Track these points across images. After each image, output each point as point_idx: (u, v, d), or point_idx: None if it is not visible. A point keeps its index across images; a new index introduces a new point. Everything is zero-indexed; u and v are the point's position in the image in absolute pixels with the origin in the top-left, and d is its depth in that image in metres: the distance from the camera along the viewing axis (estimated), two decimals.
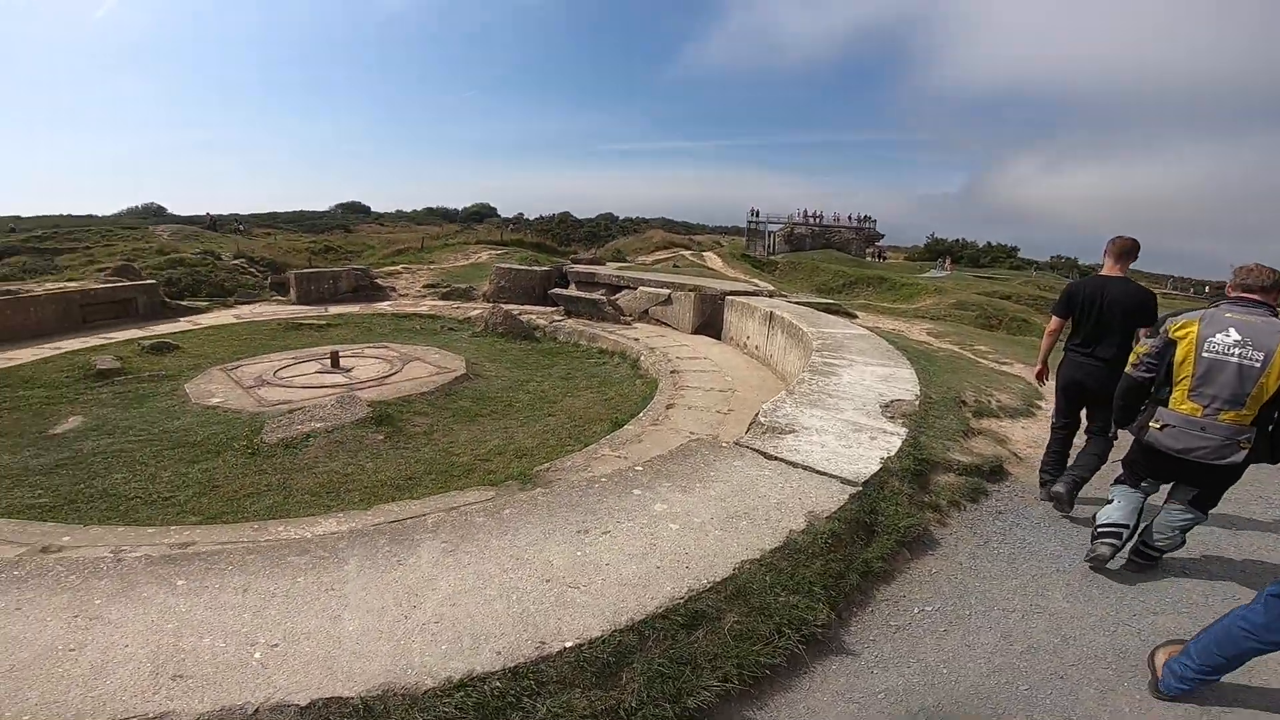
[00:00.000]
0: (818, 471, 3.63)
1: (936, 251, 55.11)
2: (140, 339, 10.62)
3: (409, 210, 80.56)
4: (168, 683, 1.76)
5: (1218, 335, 2.77)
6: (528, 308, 14.08)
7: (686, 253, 34.61)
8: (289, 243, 25.87)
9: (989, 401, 6.08)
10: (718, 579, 2.48)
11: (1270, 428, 2.83)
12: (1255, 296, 2.85)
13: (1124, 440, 3.53)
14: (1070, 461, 4.11)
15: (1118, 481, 3.40)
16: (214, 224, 33.89)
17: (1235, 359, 2.71)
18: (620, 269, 16.37)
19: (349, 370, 8.94)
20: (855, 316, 12.24)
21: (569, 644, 2.07)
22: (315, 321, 12.75)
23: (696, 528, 2.88)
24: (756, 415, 4.67)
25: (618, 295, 13.37)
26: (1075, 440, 4.20)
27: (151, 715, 1.64)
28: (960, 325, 14.98)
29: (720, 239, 54.35)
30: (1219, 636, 2.29)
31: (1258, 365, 2.67)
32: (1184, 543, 3.23)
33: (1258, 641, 2.20)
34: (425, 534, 2.71)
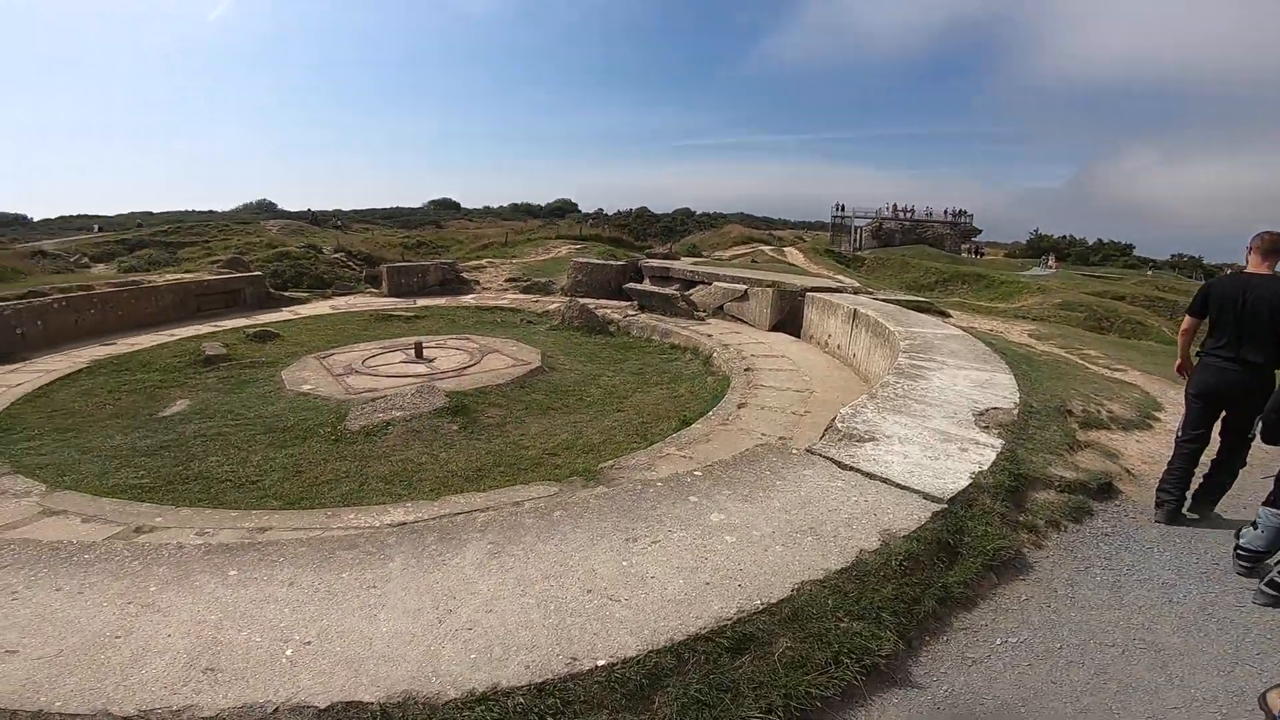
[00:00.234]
0: (897, 485, 3.32)
1: (1040, 248, 51.40)
2: (245, 327, 11.41)
3: (495, 206, 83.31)
4: (198, 675, 1.76)
5: None
6: (603, 302, 14.10)
7: (766, 248, 33.82)
8: (384, 238, 27.25)
9: (1098, 411, 5.47)
10: (773, 600, 2.27)
11: None
12: None
13: (1272, 454, 3.06)
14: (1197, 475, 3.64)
15: (1267, 503, 3.01)
16: (315, 219, 36.22)
17: None
18: (695, 264, 16.12)
19: (431, 360, 9.20)
20: (948, 315, 11.46)
21: (601, 662, 1.92)
22: (403, 313, 13.27)
23: (755, 541, 2.66)
24: (833, 420, 4.37)
25: (692, 290, 13.14)
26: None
27: (175, 708, 1.63)
28: (1066, 327, 13.76)
29: (803, 234, 52.87)
30: None
31: None
32: None
33: None
34: (474, 533, 2.65)
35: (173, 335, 10.86)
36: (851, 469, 3.49)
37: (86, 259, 18.54)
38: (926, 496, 3.20)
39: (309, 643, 1.93)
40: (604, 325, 12.01)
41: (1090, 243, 54.97)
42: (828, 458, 3.64)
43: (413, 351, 9.45)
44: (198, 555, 2.37)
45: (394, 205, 73.74)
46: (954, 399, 4.86)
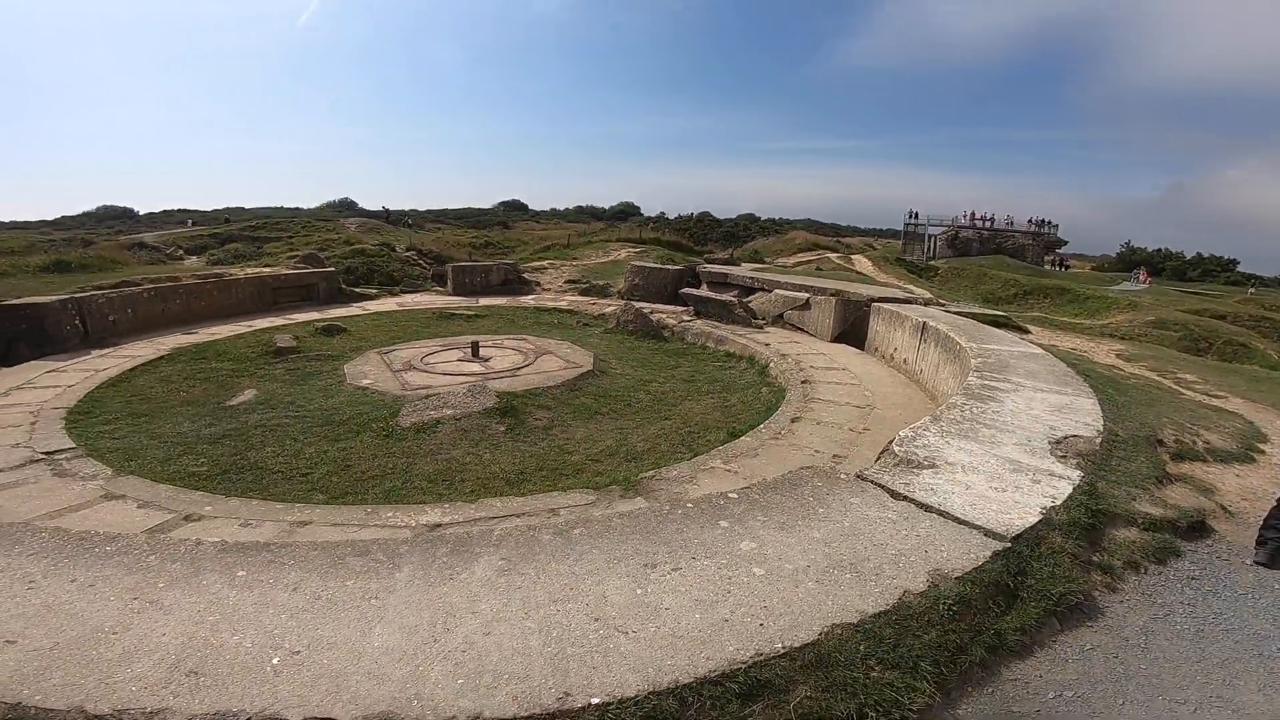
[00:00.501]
0: (955, 519, 3.00)
1: (1131, 261, 47.80)
2: (315, 321, 11.89)
3: (561, 208, 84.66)
4: (180, 678, 1.71)
5: None
6: (659, 306, 13.95)
7: (833, 255, 32.81)
8: (454, 237, 28.01)
9: (1193, 442, 4.90)
10: (797, 643, 2.04)
11: None
12: None
13: None
14: None
15: None
16: (390, 218, 37.68)
17: None
18: (755, 270, 15.75)
19: (487, 360, 9.30)
20: (1027, 331, 10.72)
21: (595, 700, 1.75)
22: (465, 312, 13.54)
23: (786, 576, 2.43)
24: (890, 443, 4.05)
25: (750, 297, 12.81)
26: None
27: (149, 710, 1.59)
28: (1159, 347, 12.60)
29: (873, 242, 51.11)
30: None
31: None
32: None
33: None
34: (487, 548, 2.53)
35: (249, 326, 11.42)
36: (905, 499, 3.19)
37: (182, 251, 19.85)
38: (988, 533, 2.88)
39: (298, 652, 1.86)
40: (658, 330, 11.86)
41: (1188, 256, 50.62)
42: (880, 484, 3.35)
43: (470, 350, 9.57)
44: (211, 554, 2.35)
45: (466, 205, 76.22)
46: (1028, 424, 4.45)
